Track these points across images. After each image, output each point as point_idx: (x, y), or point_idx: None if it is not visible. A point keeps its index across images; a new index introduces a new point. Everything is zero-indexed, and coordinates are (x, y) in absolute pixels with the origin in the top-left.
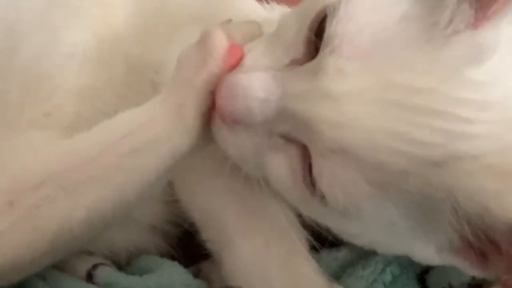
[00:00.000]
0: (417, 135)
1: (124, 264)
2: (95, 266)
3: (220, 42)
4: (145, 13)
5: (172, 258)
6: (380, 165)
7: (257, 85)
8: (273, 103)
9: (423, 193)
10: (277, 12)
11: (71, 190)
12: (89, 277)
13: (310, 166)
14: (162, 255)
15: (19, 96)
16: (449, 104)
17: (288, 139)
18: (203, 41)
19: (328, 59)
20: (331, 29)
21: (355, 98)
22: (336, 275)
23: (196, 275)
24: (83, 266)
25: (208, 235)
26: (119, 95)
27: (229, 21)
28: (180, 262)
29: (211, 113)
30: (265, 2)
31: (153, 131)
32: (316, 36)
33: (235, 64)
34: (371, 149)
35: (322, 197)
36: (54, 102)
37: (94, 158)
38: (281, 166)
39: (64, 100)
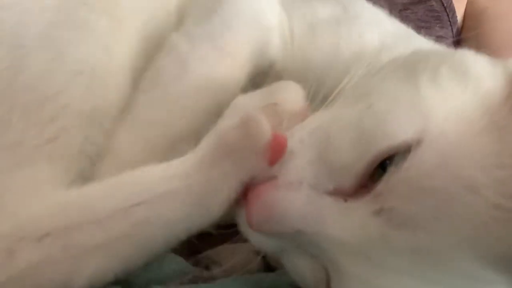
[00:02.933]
0: None
1: None
2: None
3: (263, 133)
4: (156, 24)
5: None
6: None
7: (295, 214)
8: (307, 236)
9: None
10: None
11: (75, 253)
12: None
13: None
14: None
15: (22, 118)
16: None
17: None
18: (245, 126)
19: (375, 220)
20: (388, 184)
21: (393, 272)
22: None
23: (195, 265)
24: None
25: None
26: None
27: (274, 105)
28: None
29: (238, 201)
30: None
31: (171, 205)
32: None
33: (277, 160)
34: None
35: None
36: (60, 125)
37: (102, 221)
38: (303, 268)
39: (71, 123)
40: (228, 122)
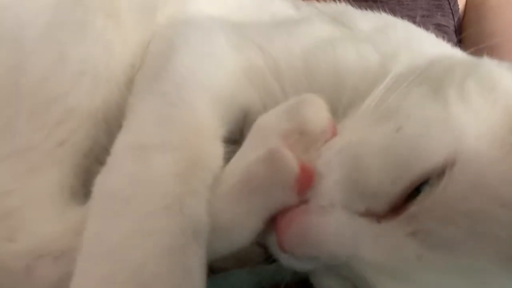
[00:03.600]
0: None
1: None
2: None
3: (290, 169)
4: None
5: None
6: None
7: (329, 238)
8: (342, 258)
9: None
10: (305, 11)
11: None
12: None
13: None
14: None
15: (27, 123)
16: None
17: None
18: (272, 162)
19: (411, 241)
20: (423, 206)
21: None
22: None
23: None
24: None
25: None
26: None
27: (299, 133)
28: None
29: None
30: None
31: None
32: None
33: (306, 190)
34: None
35: None
36: (68, 128)
37: None
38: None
39: (79, 125)
40: (251, 154)
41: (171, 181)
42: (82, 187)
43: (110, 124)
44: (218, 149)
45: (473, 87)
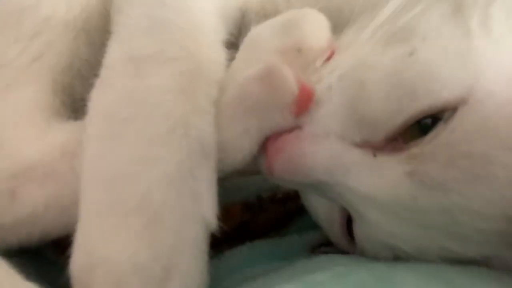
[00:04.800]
0: None
1: None
2: None
3: (289, 87)
4: None
5: None
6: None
7: (319, 167)
8: (331, 186)
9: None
10: None
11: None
12: None
13: (350, 219)
14: None
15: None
16: None
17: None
18: (269, 80)
19: (407, 181)
20: (426, 147)
21: (420, 227)
22: None
23: None
24: None
25: None
26: None
27: (298, 49)
28: None
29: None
30: None
31: None
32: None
33: (303, 112)
34: (417, 253)
35: (361, 250)
36: (43, 40)
37: None
38: (320, 207)
39: (55, 37)
40: (245, 69)
41: (172, 98)
42: (65, 105)
43: (92, 35)
44: (220, 56)
45: (497, 14)
